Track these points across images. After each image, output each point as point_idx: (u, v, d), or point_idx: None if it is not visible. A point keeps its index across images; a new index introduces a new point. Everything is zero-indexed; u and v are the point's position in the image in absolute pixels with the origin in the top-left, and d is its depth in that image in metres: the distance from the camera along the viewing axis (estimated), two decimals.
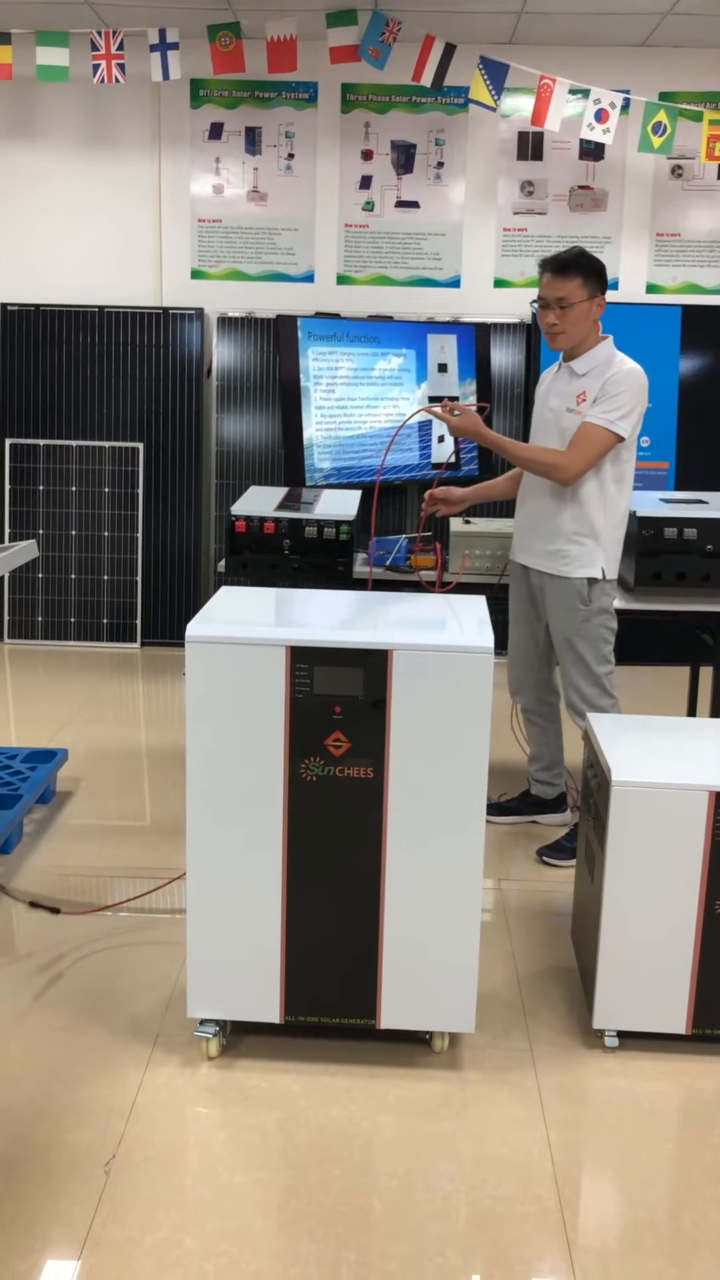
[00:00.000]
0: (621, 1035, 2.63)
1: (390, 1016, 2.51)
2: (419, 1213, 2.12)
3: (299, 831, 2.43)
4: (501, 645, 3.79)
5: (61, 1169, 2.20)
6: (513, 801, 3.95)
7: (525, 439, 3.72)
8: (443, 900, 2.45)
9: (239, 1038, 2.61)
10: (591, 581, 3.45)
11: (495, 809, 3.92)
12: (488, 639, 2.38)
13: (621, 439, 3.35)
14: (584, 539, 3.43)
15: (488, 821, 3.86)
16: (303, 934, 2.47)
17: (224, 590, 2.77)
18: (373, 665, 2.36)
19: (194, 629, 2.39)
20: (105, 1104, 2.39)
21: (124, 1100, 2.40)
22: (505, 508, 3.95)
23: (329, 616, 2.59)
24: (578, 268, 3.34)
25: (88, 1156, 2.24)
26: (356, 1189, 2.17)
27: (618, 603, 3.69)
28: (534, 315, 4.01)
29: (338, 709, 2.37)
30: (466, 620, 2.56)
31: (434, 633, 2.45)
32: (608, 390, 3.33)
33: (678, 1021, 2.58)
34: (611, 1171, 2.25)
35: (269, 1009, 2.52)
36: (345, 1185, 2.18)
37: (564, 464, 3.35)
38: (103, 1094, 2.42)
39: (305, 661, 2.36)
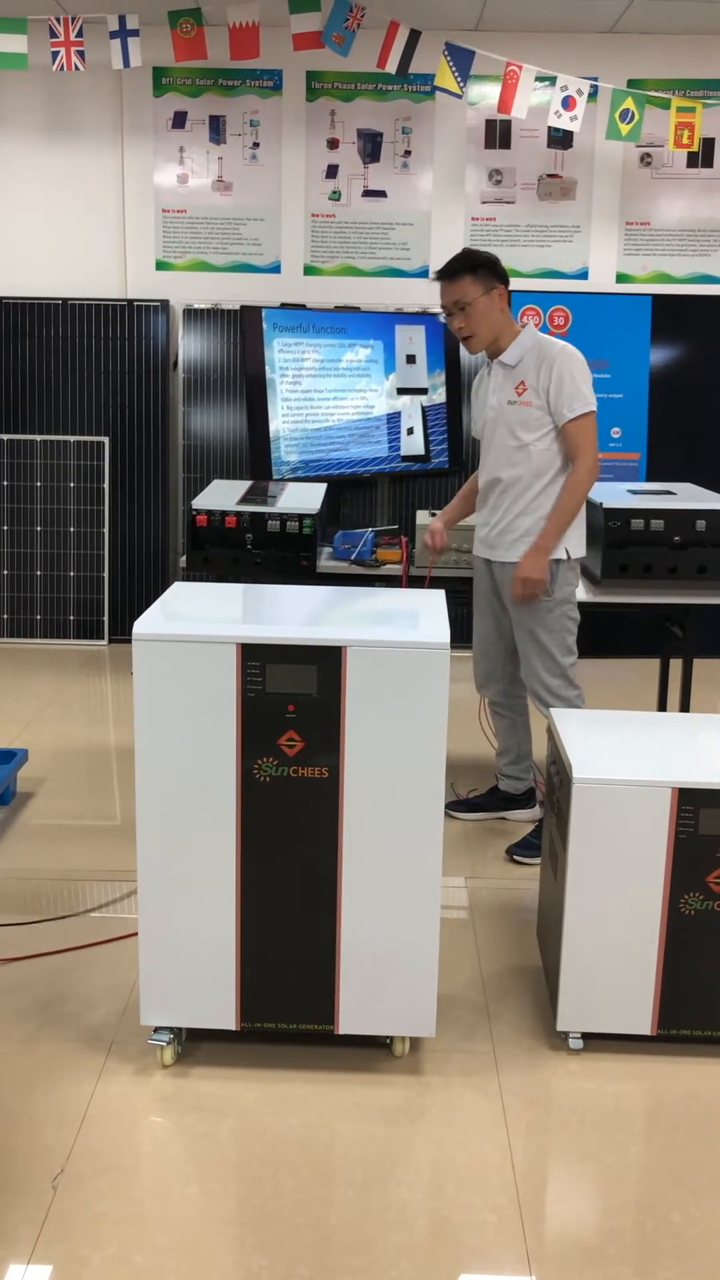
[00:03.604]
0: (586, 1037, 2.59)
1: (349, 1021, 2.45)
2: (376, 1223, 2.06)
3: (253, 834, 2.37)
4: (468, 639, 3.76)
5: (8, 1184, 2.13)
6: (481, 797, 3.90)
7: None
8: (401, 902, 2.39)
9: (195, 1045, 2.55)
10: (554, 564, 3.40)
11: (463, 805, 3.87)
12: (444, 634, 2.33)
13: (594, 410, 3.36)
14: (544, 525, 3.39)
15: (456, 818, 3.82)
16: (258, 938, 2.41)
17: (176, 586, 2.70)
18: (326, 662, 2.29)
19: (142, 626, 2.33)
20: (56, 1115, 2.33)
21: (75, 1111, 2.34)
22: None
23: (283, 612, 2.53)
24: (463, 267, 3.37)
25: (36, 1170, 2.17)
26: (312, 1200, 2.11)
27: (585, 595, 3.65)
28: None
29: (291, 707, 2.31)
30: (423, 615, 2.50)
31: (389, 628, 2.40)
32: (554, 387, 3.32)
33: (643, 1022, 2.53)
34: (574, 1176, 2.20)
35: (225, 1015, 2.46)
36: (301, 1196, 2.12)
37: (588, 469, 3.34)
38: (54, 1104, 2.36)
39: (257, 659, 2.30)
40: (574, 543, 3.43)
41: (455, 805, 3.86)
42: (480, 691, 3.79)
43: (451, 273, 3.38)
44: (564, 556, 3.41)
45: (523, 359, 3.38)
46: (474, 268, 3.37)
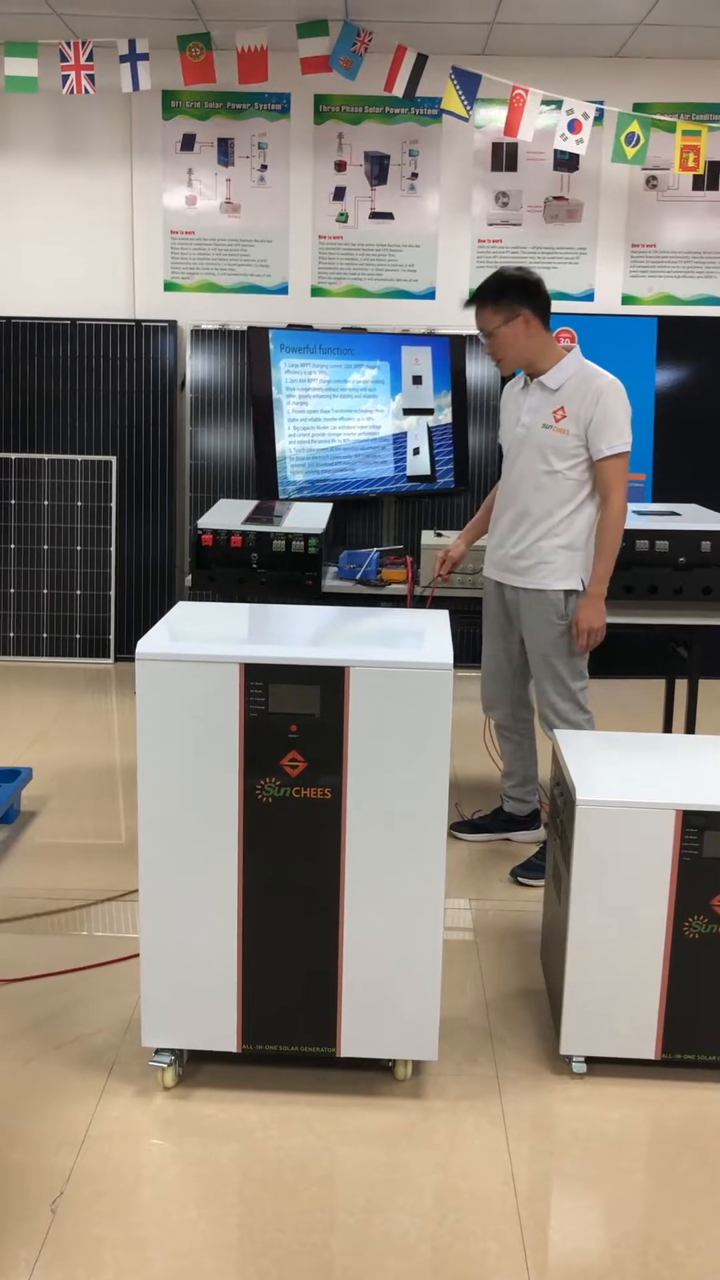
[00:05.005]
0: (590, 1061, 2.57)
1: (350, 1044, 2.44)
2: (376, 1250, 2.04)
3: (255, 855, 2.36)
4: (475, 660, 3.75)
5: (7, 1206, 2.12)
6: (485, 818, 3.89)
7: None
8: (404, 925, 2.38)
9: (197, 1066, 2.53)
10: (569, 594, 3.39)
11: (468, 826, 3.86)
12: (447, 655, 2.32)
13: (630, 450, 3.36)
14: (564, 551, 3.38)
15: (460, 839, 3.81)
16: (260, 960, 2.40)
17: (180, 605, 2.71)
18: (329, 682, 2.29)
19: (145, 645, 2.33)
20: (56, 1136, 2.31)
21: (75, 1133, 2.32)
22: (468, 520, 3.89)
23: (286, 632, 2.53)
24: (484, 296, 3.35)
25: (35, 1192, 2.16)
26: (313, 1226, 2.10)
27: None
28: None
29: (294, 728, 2.31)
30: (427, 636, 2.50)
31: (393, 649, 2.39)
32: (597, 420, 3.29)
33: (647, 1046, 2.51)
34: (576, 1204, 2.18)
35: (226, 1038, 2.44)
36: (301, 1222, 2.10)
37: (620, 509, 3.34)
38: (53, 1126, 2.34)
39: (260, 679, 2.29)
40: (587, 574, 3.42)
41: (460, 826, 3.85)
42: (487, 713, 3.78)
43: (471, 302, 3.37)
44: (579, 588, 3.39)
45: (565, 384, 3.34)
46: (497, 297, 3.31)
